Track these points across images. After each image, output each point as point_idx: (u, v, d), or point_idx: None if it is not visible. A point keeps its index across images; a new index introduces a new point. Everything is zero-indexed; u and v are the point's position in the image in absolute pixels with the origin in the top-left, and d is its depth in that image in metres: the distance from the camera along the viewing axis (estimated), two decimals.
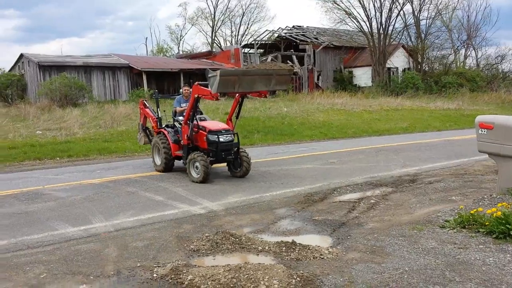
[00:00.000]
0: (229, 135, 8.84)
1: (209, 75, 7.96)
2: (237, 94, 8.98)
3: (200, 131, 8.88)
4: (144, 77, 27.00)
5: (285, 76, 8.70)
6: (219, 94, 8.00)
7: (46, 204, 7.28)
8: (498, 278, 3.87)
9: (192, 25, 52.87)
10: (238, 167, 9.06)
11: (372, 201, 7.05)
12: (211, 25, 51.16)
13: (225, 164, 9.31)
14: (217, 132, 8.70)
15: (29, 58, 26.80)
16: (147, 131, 10.82)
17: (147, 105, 10.81)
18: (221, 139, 8.65)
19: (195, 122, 8.86)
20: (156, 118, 10.16)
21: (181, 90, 9.97)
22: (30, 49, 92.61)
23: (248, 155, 9.02)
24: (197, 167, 8.59)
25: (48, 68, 25.37)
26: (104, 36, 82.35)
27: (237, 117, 9.43)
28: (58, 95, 21.90)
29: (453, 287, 3.73)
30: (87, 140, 14.45)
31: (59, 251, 5.11)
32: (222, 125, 9.08)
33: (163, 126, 9.99)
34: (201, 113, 9.79)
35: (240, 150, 9.00)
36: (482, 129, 6.46)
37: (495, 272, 4.00)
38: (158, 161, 9.90)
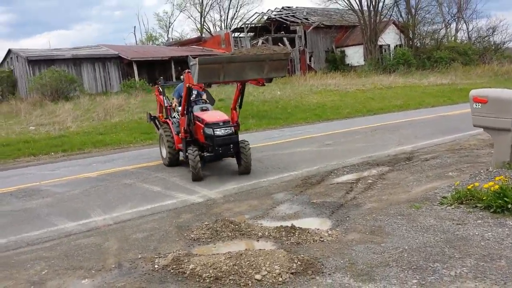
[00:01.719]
0: (228, 128, 7.79)
1: (190, 63, 7.07)
2: (238, 83, 8.03)
3: (198, 122, 8.08)
4: (135, 67, 26.78)
5: (280, 62, 7.42)
6: (203, 84, 7.19)
7: (44, 200, 7.26)
8: (497, 253, 3.90)
9: (181, 11, 52.60)
10: (239, 164, 8.12)
11: (369, 181, 7.06)
12: (199, 10, 50.66)
13: None
14: (213, 125, 7.75)
15: (17, 53, 26.50)
16: (156, 120, 10.02)
17: (162, 92, 9.85)
18: (216, 133, 7.67)
19: (194, 113, 8.15)
20: (165, 107, 9.47)
21: (182, 77, 8.70)
22: (18, 44, 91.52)
23: (247, 149, 7.94)
24: None
25: (37, 62, 25.10)
26: (91, 27, 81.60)
27: (240, 106, 8.30)
28: (49, 90, 21.73)
29: (453, 264, 3.76)
30: (81, 133, 14.37)
31: (59, 246, 5.11)
32: (221, 117, 8.06)
33: (171, 116, 9.22)
34: (205, 102, 8.94)
35: (240, 142, 7.97)
36: (477, 103, 6.45)
37: (494, 246, 4.04)
38: (164, 154, 9.26)
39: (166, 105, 9.55)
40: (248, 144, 8.06)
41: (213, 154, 7.85)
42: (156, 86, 10.32)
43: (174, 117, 9.05)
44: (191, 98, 8.57)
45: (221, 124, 7.81)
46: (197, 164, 7.62)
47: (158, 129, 9.90)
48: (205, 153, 7.91)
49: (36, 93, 22.12)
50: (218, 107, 11.10)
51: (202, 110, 8.42)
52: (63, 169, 9.95)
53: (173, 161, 8.98)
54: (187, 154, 7.88)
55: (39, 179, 8.94)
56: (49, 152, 12.40)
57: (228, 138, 7.76)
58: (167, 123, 9.16)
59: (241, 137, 8.33)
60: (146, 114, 10.64)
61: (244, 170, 8.03)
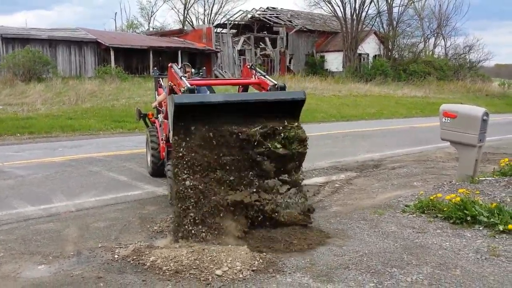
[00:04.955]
0: None
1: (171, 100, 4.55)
2: (240, 86, 6.49)
3: None
4: (112, 53, 26.24)
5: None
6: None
7: (5, 182, 7.03)
8: (453, 262, 4.01)
9: (164, 1, 51.58)
10: None
11: (337, 185, 7.15)
12: (183, 2, 50.06)
13: None
14: None
15: None
16: (146, 119, 8.28)
17: (160, 84, 8.13)
18: None
19: None
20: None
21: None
22: None
23: None
24: None
25: (12, 40, 24.28)
26: (72, 9, 79.47)
27: None
28: (21, 69, 21.07)
29: (410, 270, 3.84)
30: (50, 116, 14.00)
31: (18, 230, 4.96)
32: None
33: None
34: None
35: None
36: (446, 118, 6.61)
37: (451, 256, 4.15)
38: (148, 160, 7.61)
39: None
40: None
41: None
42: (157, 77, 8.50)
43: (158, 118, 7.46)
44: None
45: None
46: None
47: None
48: None
49: (8, 72, 21.40)
50: None
51: None
52: (28, 152, 9.67)
53: (157, 171, 7.22)
54: (166, 168, 6.03)
55: (2, 160, 8.67)
56: (15, 133, 12.04)
57: None
58: (156, 124, 7.65)
59: None
60: (135, 110, 8.71)
61: None
